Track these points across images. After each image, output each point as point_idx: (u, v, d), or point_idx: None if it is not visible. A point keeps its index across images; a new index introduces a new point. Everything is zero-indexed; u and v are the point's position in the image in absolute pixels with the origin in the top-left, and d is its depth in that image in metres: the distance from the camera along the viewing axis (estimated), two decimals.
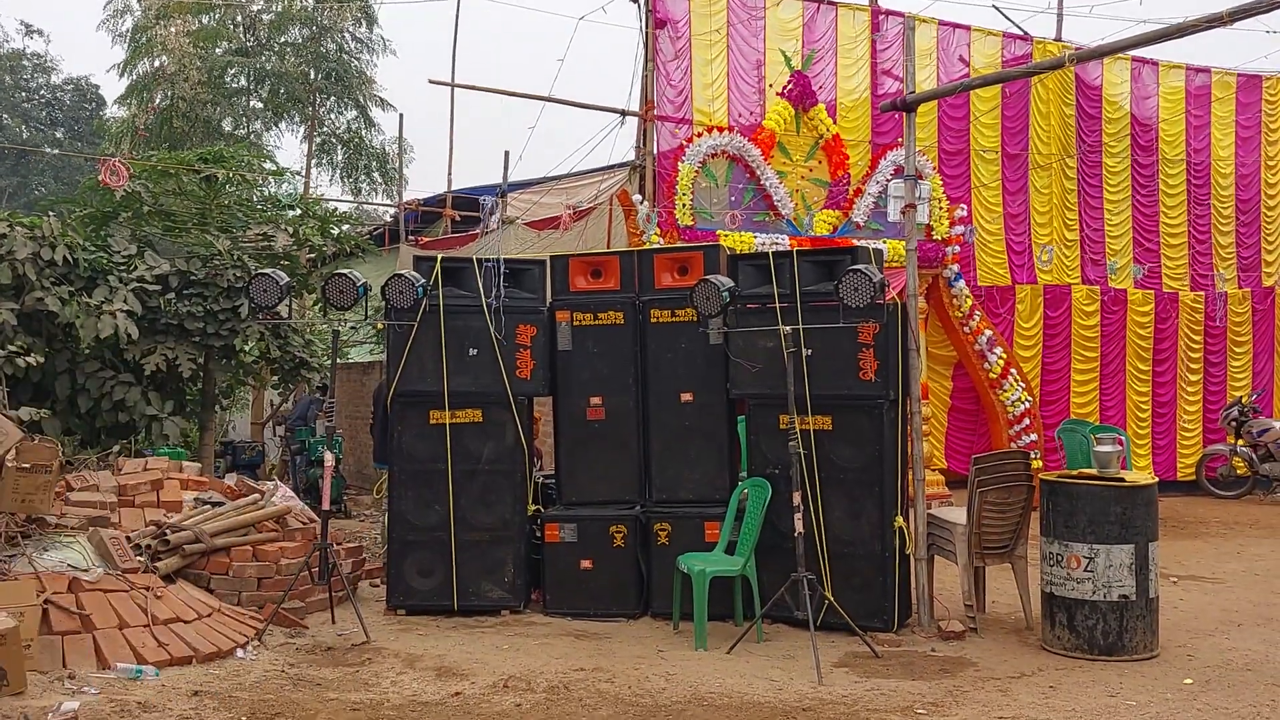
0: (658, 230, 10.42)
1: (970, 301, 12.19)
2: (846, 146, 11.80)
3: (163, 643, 5.93)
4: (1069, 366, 13.16)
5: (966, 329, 12.17)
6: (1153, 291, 13.66)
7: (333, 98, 20.23)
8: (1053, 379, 13.05)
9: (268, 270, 7.05)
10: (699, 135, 10.85)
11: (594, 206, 12.39)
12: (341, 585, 6.94)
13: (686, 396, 7.57)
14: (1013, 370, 12.27)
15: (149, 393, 9.78)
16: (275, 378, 10.79)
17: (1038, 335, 12.99)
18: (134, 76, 19.70)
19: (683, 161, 10.70)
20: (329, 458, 6.93)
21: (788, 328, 6.57)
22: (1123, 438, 11.52)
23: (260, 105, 20.00)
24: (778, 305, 7.01)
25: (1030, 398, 12.35)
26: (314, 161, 20.10)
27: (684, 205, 10.65)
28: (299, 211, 11.18)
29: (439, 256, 7.65)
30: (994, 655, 6.38)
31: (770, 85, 11.49)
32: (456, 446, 7.44)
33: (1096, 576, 6.20)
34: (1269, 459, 12.69)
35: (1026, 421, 12.21)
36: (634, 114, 10.99)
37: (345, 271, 7.00)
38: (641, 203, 10.43)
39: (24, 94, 33.58)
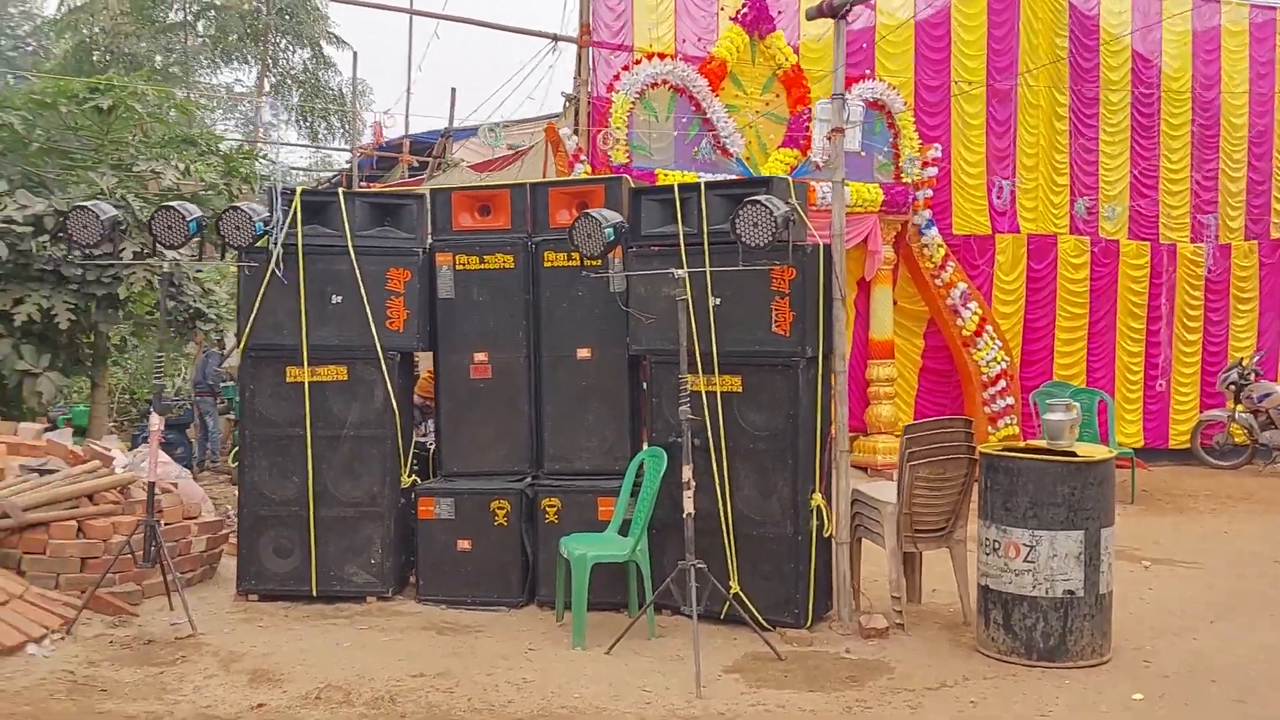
0: (588, 168, 9.37)
1: (943, 251, 11.11)
2: (809, 79, 10.67)
3: None
4: (1053, 324, 12.06)
5: (938, 282, 11.09)
6: (1148, 243, 12.51)
7: (286, 36, 19.04)
8: (1035, 338, 11.95)
9: (88, 203, 6.07)
10: (637, 62, 9.75)
11: (531, 147, 11.39)
12: (169, 568, 6.01)
13: (584, 353, 6.61)
14: (988, 327, 11.19)
15: (21, 345, 8.85)
16: (172, 330, 9.82)
17: (1020, 290, 11.89)
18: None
19: (616, 92, 9.61)
20: (155, 419, 6.00)
21: (680, 271, 5.55)
22: (1108, 401, 10.49)
23: (204, 42, 18.78)
24: (682, 246, 6.03)
25: (1008, 358, 11.28)
26: (268, 103, 18.99)
27: (618, 140, 9.57)
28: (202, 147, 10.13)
29: (299, 189, 6.65)
30: (917, 659, 5.42)
31: (723, 9, 10.36)
32: (317, 408, 6.48)
33: (1038, 568, 5.23)
34: (1270, 426, 11.61)
35: (1003, 384, 11.14)
36: (568, 39, 9.91)
37: (175, 205, 6.02)
38: (569, 136, 9.37)
39: None
